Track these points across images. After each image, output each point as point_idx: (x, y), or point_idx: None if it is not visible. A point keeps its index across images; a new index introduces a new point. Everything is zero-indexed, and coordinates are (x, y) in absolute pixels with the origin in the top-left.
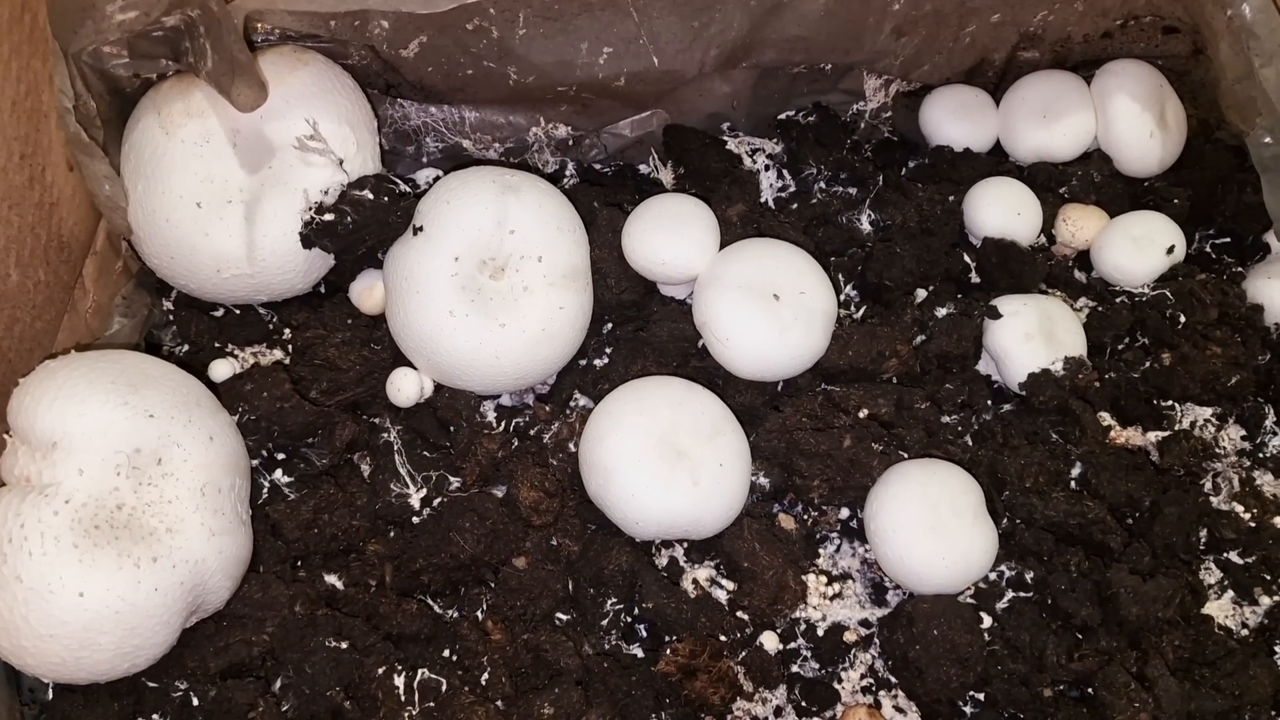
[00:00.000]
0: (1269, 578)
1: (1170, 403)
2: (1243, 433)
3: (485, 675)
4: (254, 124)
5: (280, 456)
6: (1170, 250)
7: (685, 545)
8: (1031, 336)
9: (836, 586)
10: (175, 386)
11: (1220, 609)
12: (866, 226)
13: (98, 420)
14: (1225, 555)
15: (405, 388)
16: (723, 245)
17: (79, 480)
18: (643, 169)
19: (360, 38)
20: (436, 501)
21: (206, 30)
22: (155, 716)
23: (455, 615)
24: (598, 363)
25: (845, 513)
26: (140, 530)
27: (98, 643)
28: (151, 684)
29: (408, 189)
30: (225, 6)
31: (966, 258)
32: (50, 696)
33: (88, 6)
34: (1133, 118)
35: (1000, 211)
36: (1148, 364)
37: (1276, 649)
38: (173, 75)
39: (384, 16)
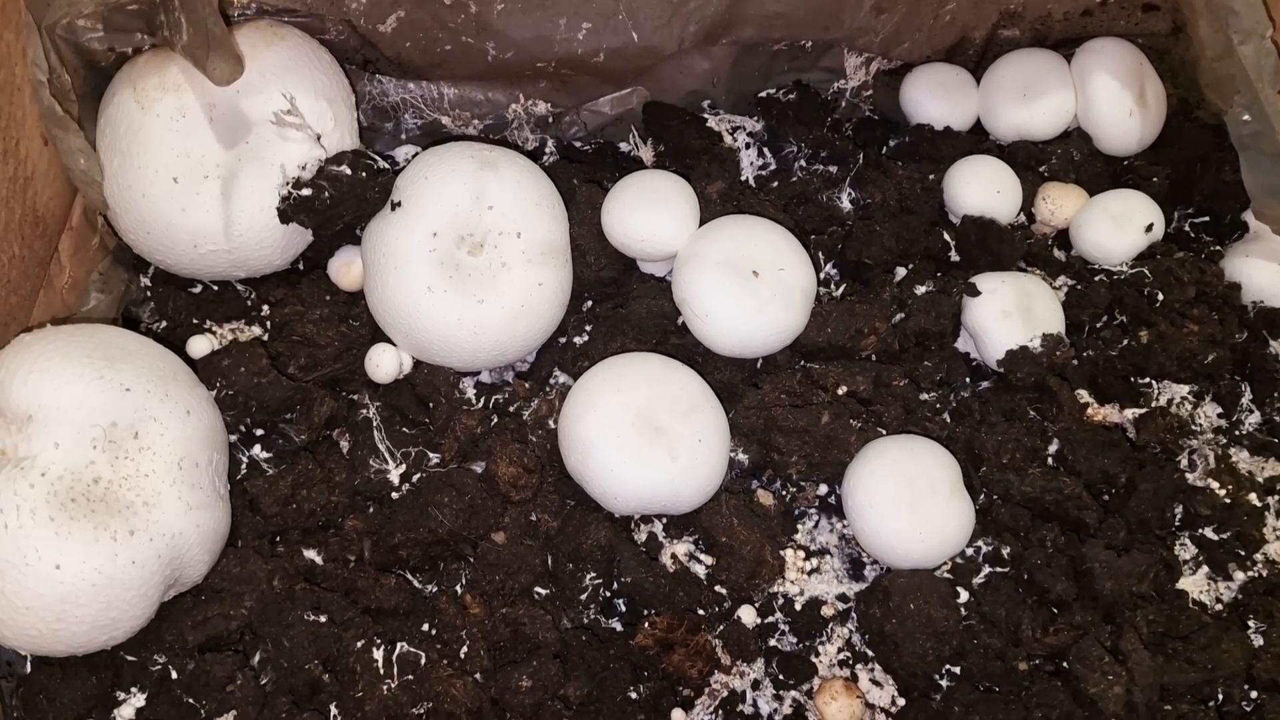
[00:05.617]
0: (1243, 554)
1: (1147, 380)
2: (1219, 410)
3: (464, 649)
4: (230, 99)
5: (259, 432)
6: (1149, 229)
7: (664, 520)
8: (1009, 314)
9: (814, 561)
10: (152, 360)
11: (1194, 584)
12: (846, 204)
13: (73, 394)
14: (1200, 531)
15: (384, 364)
16: (702, 222)
17: (55, 454)
18: (623, 146)
19: (337, 12)
20: (415, 477)
21: (181, 4)
22: (133, 689)
23: (434, 590)
24: (577, 340)
25: (823, 489)
26: (117, 504)
27: (74, 615)
28: (130, 657)
29: (385, 165)
30: None
31: (946, 236)
32: (28, 669)
33: None
34: (1112, 96)
35: (980, 190)
36: (1125, 342)
37: (1250, 624)
38: (148, 49)
39: None
